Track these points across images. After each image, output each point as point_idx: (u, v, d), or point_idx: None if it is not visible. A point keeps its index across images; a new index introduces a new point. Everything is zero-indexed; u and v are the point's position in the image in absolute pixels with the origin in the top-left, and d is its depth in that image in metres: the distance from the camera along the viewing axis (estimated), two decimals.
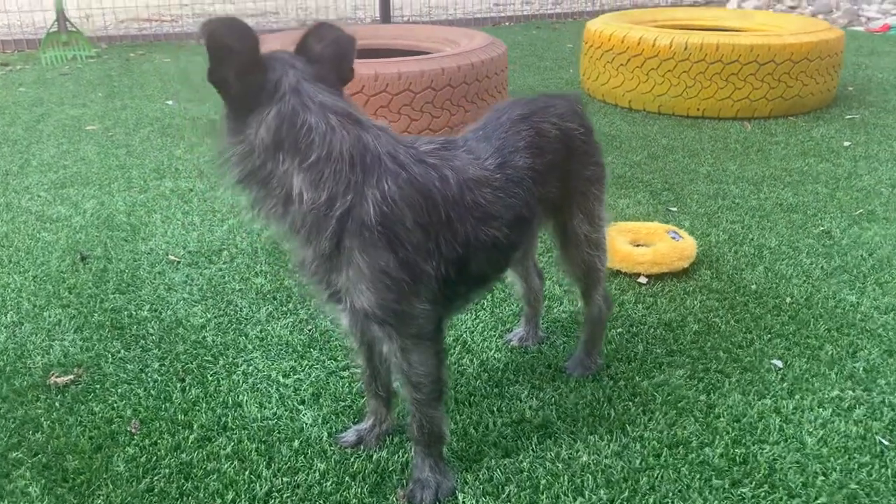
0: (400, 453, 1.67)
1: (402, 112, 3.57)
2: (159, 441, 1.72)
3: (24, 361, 2.03)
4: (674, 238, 2.52)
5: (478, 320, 2.20)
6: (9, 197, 3.18)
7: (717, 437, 1.72)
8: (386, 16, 7.35)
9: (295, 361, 2.02)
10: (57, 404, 1.85)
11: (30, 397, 1.88)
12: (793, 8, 7.85)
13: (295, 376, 1.96)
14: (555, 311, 2.27)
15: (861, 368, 1.97)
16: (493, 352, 2.05)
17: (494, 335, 2.13)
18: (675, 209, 2.99)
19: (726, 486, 1.57)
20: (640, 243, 2.56)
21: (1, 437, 1.73)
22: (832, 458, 1.65)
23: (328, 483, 1.58)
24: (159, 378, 1.96)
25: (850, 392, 1.88)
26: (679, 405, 1.83)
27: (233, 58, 1.24)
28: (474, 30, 4.46)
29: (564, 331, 2.16)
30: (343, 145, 1.31)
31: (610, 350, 2.05)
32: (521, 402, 1.84)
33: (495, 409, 1.81)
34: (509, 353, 2.04)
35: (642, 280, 2.42)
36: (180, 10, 8.39)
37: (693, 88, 4.11)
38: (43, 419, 1.80)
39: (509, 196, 1.49)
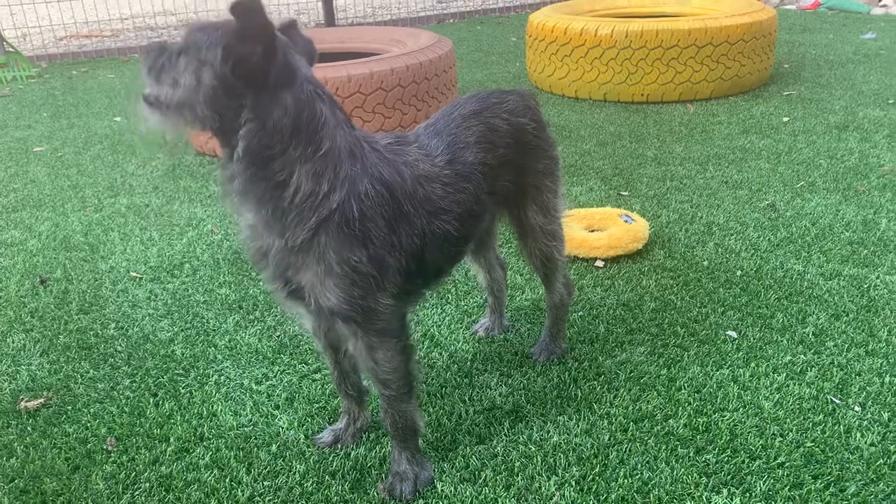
0: (377, 449, 1.71)
1: (354, 114, 3.60)
2: (137, 456, 1.73)
3: None
4: (626, 221, 2.60)
5: (444, 314, 2.25)
6: None
7: (680, 408, 1.80)
8: (330, 19, 7.35)
9: (266, 368, 2.05)
10: (29, 429, 1.85)
11: (1, 424, 1.88)
12: None
13: (267, 382, 1.98)
14: (517, 299, 2.33)
15: (810, 333, 2.08)
16: (460, 343, 2.10)
17: (461, 327, 2.18)
18: (626, 193, 3.08)
19: (691, 454, 1.65)
20: (594, 229, 2.64)
21: None
22: (788, 420, 1.74)
23: (309, 483, 1.62)
24: (131, 395, 1.96)
25: (802, 356, 1.98)
26: (642, 381, 1.90)
27: (266, 34, 1.24)
28: (419, 29, 4.50)
29: (528, 318, 2.22)
30: (344, 141, 1.35)
31: (573, 333, 2.12)
32: (491, 389, 1.89)
33: (467, 398, 1.87)
34: (476, 344, 2.09)
35: (599, 264, 2.50)
36: (121, 24, 8.27)
37: (636, 75, 4.22)
38: (16, 444, 1.79)
39: (458, 191, 1.53)
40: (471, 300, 2.33)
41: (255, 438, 1.77)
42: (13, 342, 2.24)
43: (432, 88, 3.86)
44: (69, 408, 1.92)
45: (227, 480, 1.64)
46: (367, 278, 1.39)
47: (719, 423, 1.74)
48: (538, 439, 1.71)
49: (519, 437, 1.72)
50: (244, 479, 1.64)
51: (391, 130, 3.72)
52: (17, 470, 1.71)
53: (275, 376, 2.01)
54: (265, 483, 1.63)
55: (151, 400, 1.94)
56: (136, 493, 1.62)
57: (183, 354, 2.13)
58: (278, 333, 2.20)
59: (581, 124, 4.03)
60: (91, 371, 2.07)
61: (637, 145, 3.66)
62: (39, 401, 1.95)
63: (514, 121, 1.68)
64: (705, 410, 1.79)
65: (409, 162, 1.47)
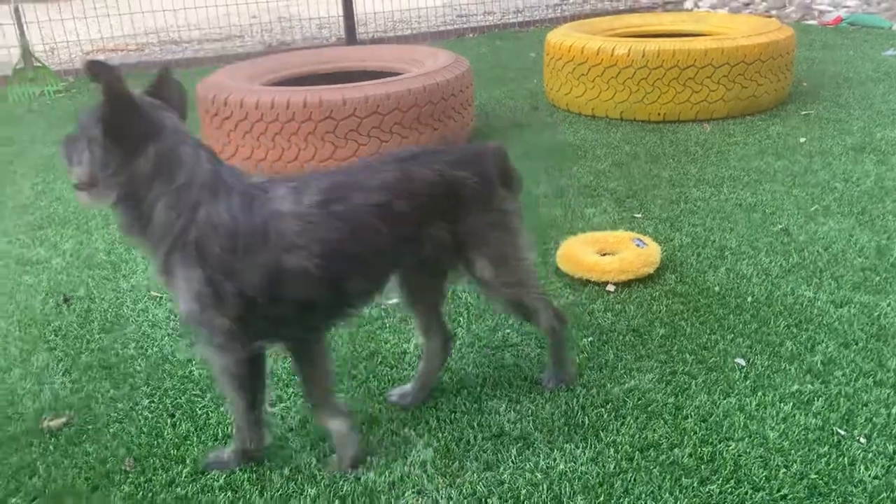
0: (387, 474, 1.75)
1: (372, 134, 3.66)
2: (154, 477, 1.79)
3: (15, 407, 2.09)
4: (639, 245, 2.63)
5: (455, 338, 2.28)
6: None
7: (686, 437, 1.82)
8: (351, 34, 7.44)
9: (280, 390, 2.10)
10: (51, 448, 1.91)
11: (23, 443, 1.94)
12: (747, 5, 8.05)
13: (281, 405, 2.03)
14: (528, 325, 2.35)
15: (819, 362, 2.09)
16: (470, 368, 2.14)
17: (471, 352, 2.22)
18: (639, 216, 3.10)
19: (695, 484, 1.67)
20: (606, 252, 2.66)
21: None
22: (793, 451, 1.76)
23: None
24: (150, 415, 2.02)
25: (809, 385, 1.99)
26: (649, 409, 1.93)
27: (127, 102, 1.50)
28: (438, 48, 4.56)
29: (538, 342, 2.25)
30: (200, 176, 1.56)
31: (582, 359, 2.15)
32: (499, 415, 1.93)
33: (475, 423, 1.90)
34: (487, 369, 2.13)
35: (610, 288, 2.52)
36: (146, 38, 8.42)
37: (652, 94, 4.24)
38: (38, 463, 1.86)
39: (327, 230, 1.60)
40: (482, 323, 2.37)
41: (269, 461, 1.82)
42: (37, 361, 2.30)
43: (448, 108, 3.90)
44: (90, 427, 1.98)
45: (241, 502, 1.68)
46: (204, 297, 1.56)
47: (724, 453, 1.76)
48: (545, 467, 1.74)
49: (526, 465, 1.75)
50: (257, 502, 1.68)
51: None
52: (40, 489, 1.77)
53: (288, 398, 2.06)
54: None
55: (169, 420, 1.99)
56: None
57: (200, 375, 2.19)
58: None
59: (597, 143, 4.05)
60: (111, 391, 2.14)
61: (652, 165, 3.68)
62: (62, 420, 2.02)
63: (448, 172, 1.73)
64: (711, 440, 1.81)
65: (268, 198, 1.60)
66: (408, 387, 2.04)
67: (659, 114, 4.29)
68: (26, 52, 6.40)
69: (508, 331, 2.31)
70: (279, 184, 1.64)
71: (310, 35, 8.29)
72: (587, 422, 1.89)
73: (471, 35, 8.16)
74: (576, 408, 1.94)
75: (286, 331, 1.68)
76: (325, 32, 8.26)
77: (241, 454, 1.79)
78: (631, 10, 8.25)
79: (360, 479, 1.74)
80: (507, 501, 1.65)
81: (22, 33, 6.33)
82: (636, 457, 1.76)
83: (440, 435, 1.87)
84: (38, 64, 6.48)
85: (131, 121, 1.51)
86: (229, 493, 1.72)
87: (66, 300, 2.68)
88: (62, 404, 2.09)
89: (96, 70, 1.47)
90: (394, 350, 2.26)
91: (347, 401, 2.01)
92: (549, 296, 2.46)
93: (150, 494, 1.73)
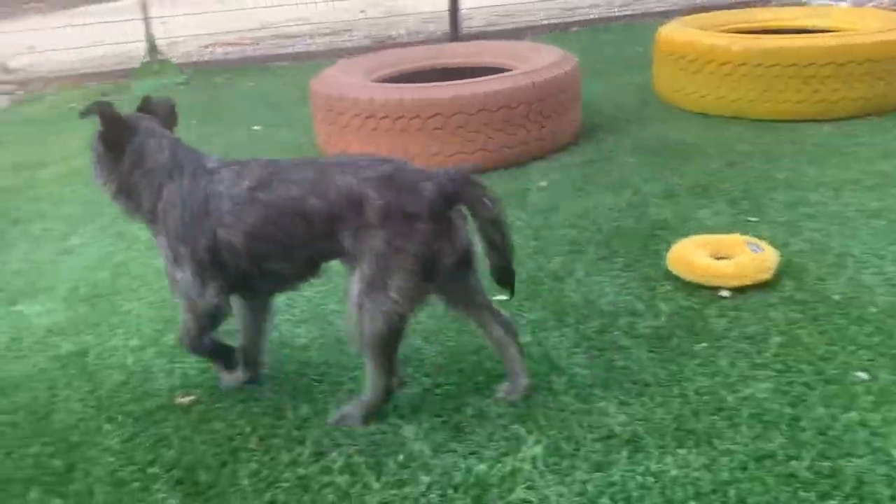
0: (498, 467, 1.79)
1: (480, 131, 3.70)
2: (277, 456, 1.89)
3: (151, 384, 2.25)
4: (754, 250, 2.56)
5: (563, 337, 2.30)
6: (121, 226, 3.45)
7: (804, 450, 1.77)
8: (455, 29, 7.50)
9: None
10: (183, 423, 2.05)
11: (159, 417, 2.09)
12: None
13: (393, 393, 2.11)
14: (638, 327, 2.35)
15: None
16: (579, 368, 2.15)
17: (579, 351, 2.23)
18: (754, 219, 3.02)
19: (814, 498, 1.63)
20: (720, 256, 2.61)
21: (139, 454, 1.94)
22: None
23: (433, 495, 1.72)
24: (272, 396, 2.14)
25: None
26: (764, 419, 1.89)
27: (114, 119, 1.97)
28: (546, 44, 4.55)
29: (649, 345, 2.23)
30: (162, 162, 1.98)
31: (694, 365, 2.12)
32: (609, 417, 1.94)
33: (585, 424, 1.92)
34: (596, 370, 2.13)
35: (724, 293, 2.47)
36: (260, 32, 8.75)
37: (768, 93, 4.09)
38: (173, 437, 2.00)
39: (250, 213, 1.89)
40: (590, 324, 2.37)
41: (384, 447, 1.89)
42: (168, 341, 2.47)
43: (556, 104, 3.90)
44: (217, 406, 2.12)
45: (359, 486, 1.77)
46: (167, 256, 1.98)
47: (845, 469, 1.71)
48: (656, 471, 1.74)
49: (637, 468, 1.75)
50: (374, 486, 1.76)
51: (514, 147, 3.79)
52: (175, 460, 1.91)
53: (400, 387, 2.13)
54: (392, 491, 1.75)
55: (290, 403, 2.10)
56: (277, 491, 1.77)
57: (318, 360, 2.29)
58: (403, 346, 2.32)
59: (708, 142, 3.95)
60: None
61: (768, 166, 3.56)
62: (191, 397, 2.16)
63: (357, 189, 1.82)
64: (830, 454, 1.76)
65: (213, 180, 1.94)
66: (507, 384, 2.07)
67: (775, 112, 4.14)
68: (152, 47, 6.79)
69: (617, 333, 2.31)
70: (226, 167, 1.97)
71: (415, 29, 8.41)
72: (700, 428, 1.87)
73: (575, 28, 8.08)
74: (687, 413, 1.93)
75: (235, 290, 2.04)
76: (430, 27, 8.35)
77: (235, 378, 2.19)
78: (745, 3, 7.95)
79: (471, 470, 1.79)
80: (617, 503, 1.66)
81: (148, 28, 6.72)
82: (751, 466, 1.74)
83: (550, 433, 1.90)
84: (162, 57, 6.86)
85: (117, 132, 1.98)
86: (347, 476, 1.80)
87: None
88: (191, 383, 2.24)
89: (92, 109, 1.97)
90: None
91: (455, 394, 2.07)
92: (655, 299, 2.45)
93: (274, 473, 1.83)
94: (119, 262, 3.09)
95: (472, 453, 1.84)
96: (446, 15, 7.64)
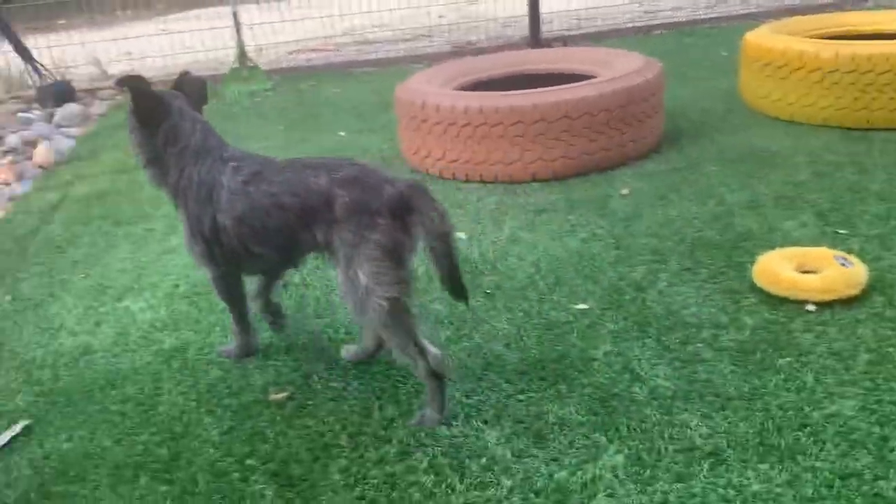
0: (579, 474, 1.83)
1: (561, 138, 3.73)
2: (365, 454, 1.98)
3: (246, 379, 2.38)
4: (843, 264, 2.51)
5: (645, 348, 2.32)
6: None
7: (892, 470, 1.75)
8: (535, 33, 7.52)
9: (474, 384, 2.24)
10: (278, 418, 2.17)
11: (255, 411, 2.22)
12: None
13: (476, 397, 2.17)
14: (722, 339, 2.34)
15: None
16: (660, 379, 2.16)
17: (661, 362, 2.24)
18: (843, 231, 2.95)
19: None
20: (806, 270, 2.57)
21: (237, 446, 2.06)
22: None
23: (515, 498, 1.78)
24: (360, 396, 2.23)
25: None
26: (851, 437, 1.87)
27: (147, 96, 2.21)
28: (629, 50, 4.53)
29: (732, 359, 2.23)
30: (193, 144, 2.22)
31: (778, 380, 2.11)
32: (691, 429, 1.95)
33: (666, 435, 1.93)
34: (678, 382, 2.14)
35: (810, 308, 2.44)
36: (342, 38, 8.98)
37: (861, 100, 3.97)
38: (268, 431, 2.12)
39: (239, 203, 2.15)
40: (672, 335, 2.38)
41: (467, 449, 1.96)
42: (262, 339, 2.60)
43: (639, 112, 3.89)
44: (309, 403, 2.23)
45: (443, 486, 1.84)
46: (188, 228, 2.26)
47: None
48: (738, 485, 1.75)
49: (718, 481, 1.76)
50: (457, 487, 1.83)
51: (594, 153, 3.81)
52: (270, 454, 2.02)
53: (482, 392, 2.19)
54: (475, 493, 1.81)
55: (377, 403, 2.19)
56: (366, 487, 1.86)
57: (402, 363, 2.37)
58: (485, 351, 2.39)
59: (796, 151, 3.87)
60: (325, 371, 2.38)
61: (859, 177, 3.46)
62: (285, 394, 2.28)
63: (330, 189, 2.04)
64: None
65: (221, 170, 2.19)
66: (355, 345, 2.42)
67: (868, 121, 4.01)
68: (241, 54, 7.07)
69: (700, 345, 2.31)
70: (232, 161, 2.21)
71: (494, 34, 8.46)
72: (783, 444, 1.86)
73: (658, 32, 7.97)
74: (771, 429, 1.92)
75: (240, 267, 2.34)
76: (509, 31, 8.40)
77: (241, 349, 2.48)
78: (835, 7, 7.68)
79: (552, 476, 1.83)
80: None
81: (239, 35, 7.00)
82: (836, 484, 1.72)
83: (630, 443, 1.92)
84: (251, 64, 7.13)
85: (149, 108, 2.21)
86: (432, 476, 1.87)
87: (284, 286, 2.98)
88: (284, 380, 2.36)
89: (125, 80, 2.20)
90: (581, 355, 2.33)
91: (536, 401, 2.12)
92: (739, 312, 2.44)
93: (363, 470, 1.93)
94: None
95: (553, 460, 1.89)
96: (526, 19, 7.67)
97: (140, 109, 2.21)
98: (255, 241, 2.19)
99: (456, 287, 2.08)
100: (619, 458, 1.87)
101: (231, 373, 2.42)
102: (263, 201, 2.13)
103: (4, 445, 2.16)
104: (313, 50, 8.66)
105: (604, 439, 1.94)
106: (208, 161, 2.20)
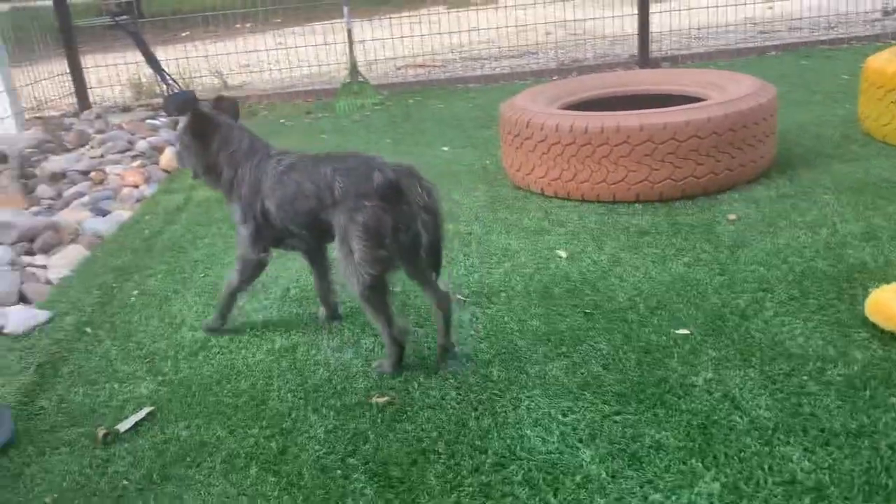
0: (673, 499, 1.83)
1: (666, 160, 3.70)
2: (461, 462, 2.04)
3: (350, 382, 2.49)
4: None
5: (746, 377, 2.28)
6: None
7: None
8: (644, 52, 7.45)
9: (571, 402, 2.26)
10: (378, 421, 2.27)
11: (357, 413, 2.32)
12: None
13: (572, 416, 2.20)
14: (829, 373, 2.27)
15: None
16: (762, 410, 2.13)
17: (764, 393, 2.20)
18: None
19: None
20: None
21: (340, 445, 2.17)
22: None
23: None
24: (457, 406, 2.30)
25: None
26: None
27: (203, 116, 2.68)
28: (742, 73, 4.44)
29: (838, 394, 2.16)
30: (244, 146, 2.66)
31: (889, 419, 2.03)
32: (792, 463, 1.91)
33: (766, 466, 1.90)
34: (781, 414, 2.10)
35: None
36: (449, 55, 9.16)
37: None
38: (369, 432, 2.21)
39: (278, 189, 2.56)
40: (776, 366, 2.33)
41: (561, 466, 1.99)
42: (365, 344, 2.71)
43: (749, 136, 3.81)
44: (408, 409, 2.31)
45: (537, 499, 1.87)
46: (239, 214, 2.68)
47: None
48: None
49: None
50: (552, 502, 1.86)
51: (702, 177, 3.75)
52: (371, 454, 2.12)
53: (579, 411, 2.22)
54: None
55: (473, 414, 2.25)
56: (462, 494, 1.92)
57: (499, 376, 2.43)
58: (583, 370, 2.41)
59: None
60: (424, 380, 2.46)
61: None
62: (386, 398, 2.37)
63: (332, 177, 2.41)
64: None
65: (268, 164, 2.61)
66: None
67: None
68: (353, 68, 7.33)
69: (805, 378, 2.26)
70: (276, 156, 2.63)
71: (601, 52, 8.43)
72: (892, 484, 1.80)
73: (773, 53, 7.75)
74: (878, 467, 1.86)
75: (277, 244, 2.76)
76: (617, 50, 8.35)
77: (219, 320, 2.90)
78: None
79: (647, 498, 1.84)
80: None
81: (352, 51, 7.27)
82: None
83: (728, 471, 1.90)
84: (362, 79, 7.38)
85: (206, 126, 2.67)
86: (526, 489, 1.91)
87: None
88: (385, 385, 2.45)
89: (182, 106, 2.85)
90: (681, 381, 2.31)
91: (633, 423, 2.12)
92: (849, 346, 2.36)
93: (458, 477, 1.99)
94: None
95: (648, 482, 1.90)
96: (635, 38, 7.62)
97: (196, 126, 2.67)
98: (292, 222, 2.59)
99: (434, 258, 2.41)
100: (716, 486, 1.85)
101: (335, 375, 2.53)
102: (293, 188, 2.53)
103: (130, 429, 2.34)
104: (420, 65, 8.88)
105: (700, 466, 1.93)
106: (257, 158, 2.63)
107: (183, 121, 2.73)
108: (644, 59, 7.47)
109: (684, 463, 1.95)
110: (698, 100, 4.19)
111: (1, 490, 2.12)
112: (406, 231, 2.34)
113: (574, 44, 8.64)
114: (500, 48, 9.11)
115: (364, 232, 2.34)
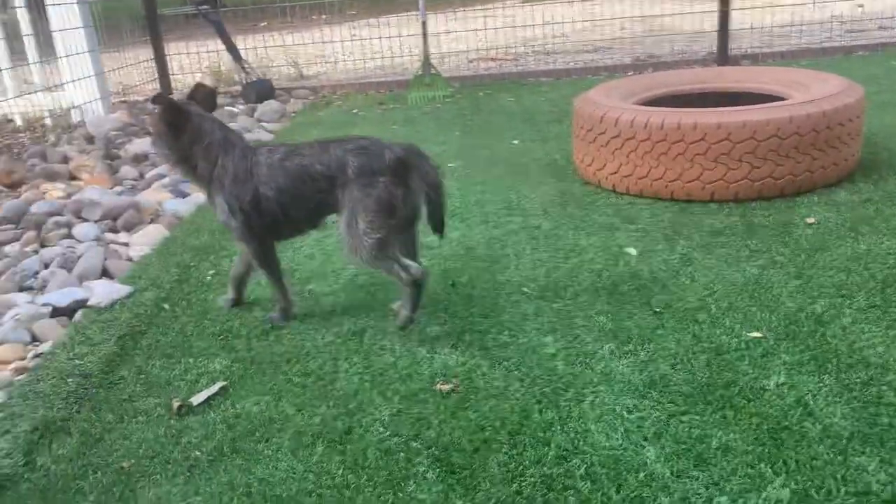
0: (740, 502, 1.80)
1: (744, 160, 3.61)
2: (524, 453, 2.05)
3: (415, 367, 2.52)
4: None
5: (822, 385, 2.21)
6: None
7: None
8: (724, 49, 7.27)
9: (637, 400, 2.24)
10: (442, 407, 2.29)
11: (422, 398, 2.35)
12: None
13: (637, 413, 2.18)
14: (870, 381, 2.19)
15: None
16: (837, 419, 2.06)
17: (839, 402, 2.13)
18: None
19: None
20: None
21: (404, 429, 2.20)
22: None
23: None
24: (521, 397, 2.30)
25: None
26: None
27: (174, 107, 2.71)
28: (828, 73, 4.29)
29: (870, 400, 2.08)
30: (218, 138, 2.71)
31: None
32: (867, 473, 1.85)
33: (839, 476, 1.85)
34: (856, 423, 2.03)
35: None
36: (522, 49, 9.12)
37: None
38: (433, 418, 2.24)
39: (278, 175, 2.64)
40: (853, 374, 2.25)
41: (625, 463, 1.97)
42: (430, 332, 2.74)
43: (833, 138, 3.68)
44: (472, 397, 2.33)
45: (599, 494, 1.86)
46: (224, 209, 2.71)
47: None
48: None
49: None
50: (614, 497, 1.85)
51: (781, 178, 3.65)
52: (434, 440, 2.14)
53: (644, 409, 2.19)
54: None
55: (536, 406, 2.25)
56: (523, 484, 1.93)
57: (564, 371, 2.42)
58: (650, 369, 2.38)
59: None
60: (488, 370, 2.47)
61: None
62: (450, 385, 2.39)
63: (343, 157, 2.59)
64: None
65: (255, 153, 2.71)
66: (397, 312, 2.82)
67: None
68: (426, 61, 7.38)
69: (884, 387, 2.17)
70: (262, 148, 2.74)
71: (679, 49, 8.26)
72: None
73: (861, 52, 7.45)
74: None
75: (274, 233, 2.81)
76: (695, 47, 8.17)
77: (284, 313, 2.91)
78: None
79: (712, 500, 1.81)
80: None
81: (426, 44, 7.32)
82: None
83: (798, 478, 1.86)
84: (434, 71, 7.42)
85: (177, 117, 2.68)
86: (588, 483, 1.91)
87: (452, 284, 3.12)
88: (450, 373, 2.47)
89: (156, 98, 2.78)
90: (752, 384, 2.26)
91: (699, 425, 2.09)
92: (890, 346, 2.27)
93: (520, 467, 1.99)
94: None
95: (713, 483, 1.86)
96: (714, 35, 7.43)
97: (168, 117, 2.69)
98: (291, 205, 2.67)
99: (437, 224, 2.71)
100: (786, 493, 1.81)
101: (401, 360, 2.57)
102: (297, 171, 2.63)
103: (203, 402, 2.43)
104: (492, 59, 8.87)
105: (770, 471, 1.89)
106: (237, 150, 2.70)
107: (156, 111, 2.74)
108: (723, 56, 7.28)
109: (752, 467, 1.91)
110: (780, 99, 4.07)
111: (84, 453, 2.23)
112: (408, 205, 2.59)
113: (650, 40, 8.49)
114: (573, 42, 9.02)
115: (377, 204, 2.54)
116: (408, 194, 2.58)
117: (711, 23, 7.49)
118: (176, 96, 2.85)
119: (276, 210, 2.68)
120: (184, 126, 2.69)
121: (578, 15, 8.85)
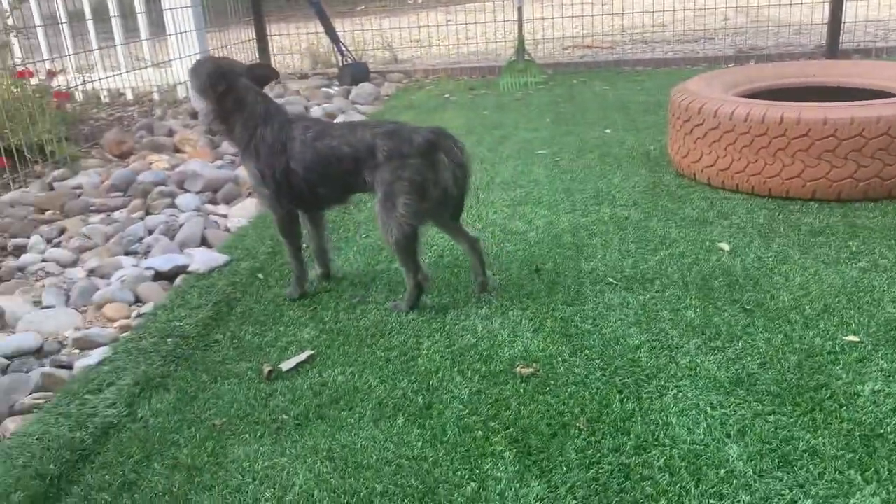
0: None
1: (850, 157, 3.46)
2: (602, 441, 2.05)
3: (496, 350, 2.54)
4: None
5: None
6: (479, 210, 3.88)
7: None
8: (834, 43, 6.93)
9: (721, 397, 2.19)
10: (521, 390, 2.30)
11: (501, 380, 2.37)
12: None
13: (721, 410, 2.13)
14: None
15: None
16: None
17: None
18: None
19: None
20: None
21: (482, 408, 2.23)
22: None
23: None
24: (601, 386, 2.30)
25: None
26: None
27: (226, 76, 2.80)
28: None
29: None
30: (259, 109, 2.81)
31: None
32: None
33: None
34: None
35: None
36: (620, 36, 8.94)
37: None
38: (511, 400, 2.26)
39: (309, 153, 2.73)
40: None
41: (705, 458, 1.94)
42: (512, 316, 2.76)
43: None
44: (552, 382, 2.33)
45: (677, 487, 1.84)
46: (257, 177, 2.83)
47: None
48: None
49: None
50: (692, 491, 1.83)
51: (888, 178, 3.47)
52: (511, 421, 2.16)
53: (729, 406, 2.15)
54: (710, 501, 1.80)
55: (617, 396, 2.24)
56: (600, 471, 1.93)
57: (647, 363, 2.40)
58: (738, 367, 2.33)
59: None
60: (569, 356, 2.47)
61: None
62: (530, 370, 2.41)
63: (372, 140, 2.65)
64: None
65: (291, 129, 2.78)
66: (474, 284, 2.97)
67: None
68: (521, 47, 7.34)
69: None
70: (299, 122, 2.81)
71: (784, 41, 7.93)
72: None
73: None
74: None
75: (300, 204, 2.91)
76: (802, 39, 7.82)
77: (299, 286, 3.03)
78: None
79: (796, 502, 1.76)
80: None
81: (521, 29, 7.28)
82: None
83: (891, 487, 1.79)
84: (528, 57, 7.38)
85: (224, 81, 2.77)
86: (667, 475, 1.89)
87: (537, 270, 3.12)
88: (531, 357, 2.48)
89: (202, 61, 2.91)
90: (845, 389, 2.18)
91: (787, 425, 2.03)
92: None
93: (598, 454, 1.99)
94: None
95: (798, 486, 1.82)
96: (823, 27, 7.10)
97: (215, 80, 2.77)
98: (319, 184, 2.78)
99: (459, 206, 2.82)
100: (876, 501, 1.74)
101: (482, 341, 2.60)
102: (326, 151, 2.71)
103: (292, 369, 2.53)
104: (588, 46, 8.74)
105: (859, 478, 1.82)
106: (276, 123, 2.78)
107: (204, 71, 2.81)
108: (833, 49, 6.94)
109: (841, 472, 1.85)
110: (892, 96, 3.86)
111: (180, 409, 2.36)
112: (438, 186, 2.64)
113: (755, 31, 8.17)
114: (673, 31, 8.78)
115: (410, 186, 2.60)
116: (438, 177, 2.64)
117: (822, 15, 7.15)
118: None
119: (303, 186, 2.78)
120: (228, 92, 2.79)
121: (679, 3, 8.60)
